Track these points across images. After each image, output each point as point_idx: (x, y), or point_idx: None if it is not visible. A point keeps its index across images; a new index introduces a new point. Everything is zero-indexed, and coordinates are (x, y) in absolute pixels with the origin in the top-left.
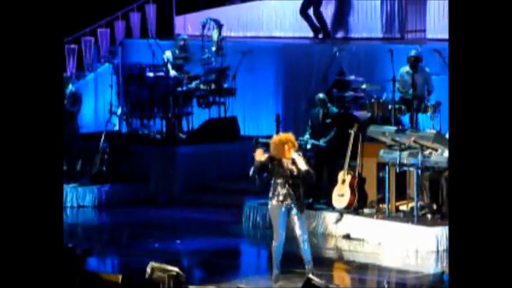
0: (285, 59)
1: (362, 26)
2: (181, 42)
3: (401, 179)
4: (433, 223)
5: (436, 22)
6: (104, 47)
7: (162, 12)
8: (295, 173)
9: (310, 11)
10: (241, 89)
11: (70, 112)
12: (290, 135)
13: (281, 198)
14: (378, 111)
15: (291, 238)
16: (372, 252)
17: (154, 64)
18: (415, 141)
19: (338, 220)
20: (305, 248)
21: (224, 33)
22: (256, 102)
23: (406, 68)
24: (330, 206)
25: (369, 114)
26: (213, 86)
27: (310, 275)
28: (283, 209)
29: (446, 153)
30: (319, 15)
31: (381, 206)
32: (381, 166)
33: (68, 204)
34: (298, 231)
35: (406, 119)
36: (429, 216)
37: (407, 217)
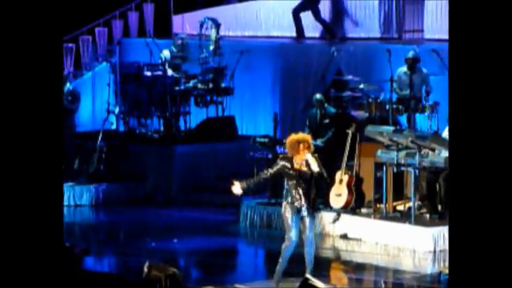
0: (282, 58)
1: (360, 25)
2: (179, 42)
3: (399, 179)
4: (430, 223)
5: (434, 22)
6: (101, 46)
7: (160, 11)
8: (308, 175)
9: (302, 14)
10: (239, 88)
11: (67, 110)
12: (307, 136)
13: (294, 200)
14: (375, 111)
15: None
16: (369, 252)
17: (152, 63)
18: (412, 142)
19: (335, 220)
20: (310, 251)
21: (222, 33)
22: (254, 102)
23: (404, 69)
24: (327, 206)
25: (367, 114)
26: (210, 85)
27: (307, 275)
28: (295, 211)
29: (443, 154)
30: (321, 20)
31: (378, 206)
32: (379, 166)
33: (65, 203)
34: (306, 233)
35: (403, 119)
36: (426, 216)
37: (405, 217)
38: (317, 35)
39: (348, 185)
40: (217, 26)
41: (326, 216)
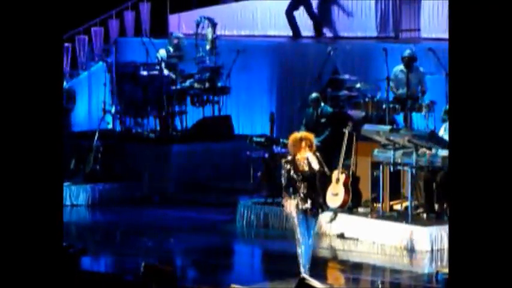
0: (279, 57)
1: (356, 25)
2: (175, 41)
3: (396, 178)
4: (427, 223)
5: (431, 21)
6: (97, 46)
7: (156, 10)
8: (311, 174)
9: (295, 13)
10: (235, 87)
11: (64, 109)
12: (309, 134)
13: (299, 201)
14: (372, 111)
15: (290, 237)
16: (366, 252)
17: (148, 63)
18: (409, 141)
19: (332, 219)
20: (308, 253)
21: (218, 32)
22: (251, 101)
23: (400, 67)
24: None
25: (363, 114)
26: (207, 85)
27: (304, 275)
28: (300, 211)
29: (440, 153)
30: (312, 15)
31: (375, 205)
32: (375, 165)
33: None
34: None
35: (400, 118)
36: (423, 215)
37: (402, 216)
38: (313, 34)
39: (345, 185)
40: (214, 25)
41: (323, 216)
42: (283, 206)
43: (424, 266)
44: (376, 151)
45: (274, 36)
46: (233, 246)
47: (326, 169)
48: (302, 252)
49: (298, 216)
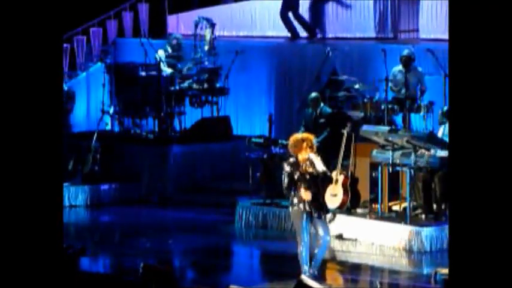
0: (277, 58)
1: (355, 25)
2: (174, 42)
3: (394, 179)
4: (425, 223)
5: (429, 22)
6: (96, 46)
7: (155, 11)
8: (314, 176)
9: (290, 14)
10: (234, 88)
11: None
12: (310, 135)
13: (301, 203)
14: (370, 111)
15: (289, 238)
16: (365, 253)
17: (146, 63)
18: (408, 141)
19: (331, 220)
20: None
21: (217, 33)
22: (249, 102)
23: (399, 68)
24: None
25: (362, 114)
26: (205, 86)
27: (302, 276)
28: (304, 213)
29: (439, 153)
30: (298, 17)
31: (373, 206)
32: (374, 166)
33: None
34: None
35: (399, 119)
36: (422, 216)
37: (400, 217)
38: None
39: (344, 185)
40: (212, 26)
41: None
42: (292, 203)
43: (422, 266)
44: (374, 152)
45: (273, 37)
46: (232, 246)
47: (328, 171)
48: (303, 253)
49: (302, 216)
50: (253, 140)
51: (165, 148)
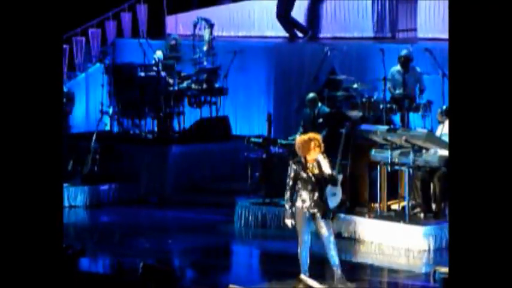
0: (276, 58)
1: (353, 25)
2: (173, 42)
3: (393, 178)
4: (424, 222)
5: (427, 21)
6: (95, 47)
7: (154, 11)
8: (320, 177)
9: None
10: (232, 88)
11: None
12: (317, 135)
13: (305, 203)
14: (369, 111)
15: (288, 237)
16: (364, 252)
17: (145, 64)
18: (406, 141)
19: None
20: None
21: (215, 33)
22: (248, 102)
23: (397, 68)
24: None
25: (361, 114)
26: (204, 86)
27: (302, 275)
28: (307, 214)
29: (438, 153)
30: (290, 20)
31: (372, 205)
32: (373, 165)
33: None
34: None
35: (397, 118)
36: (421, 215)
37: (399, 216)
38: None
39: (342, 185)
40: (211, 26)
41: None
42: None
43: (421, 265)
44: (373, 151)
45: (271, 37)
46: (231, 246)
47: (335, 173)
48: (302, 253)
49: (304, 217)
50: (252, 139)
51: (164, 148)
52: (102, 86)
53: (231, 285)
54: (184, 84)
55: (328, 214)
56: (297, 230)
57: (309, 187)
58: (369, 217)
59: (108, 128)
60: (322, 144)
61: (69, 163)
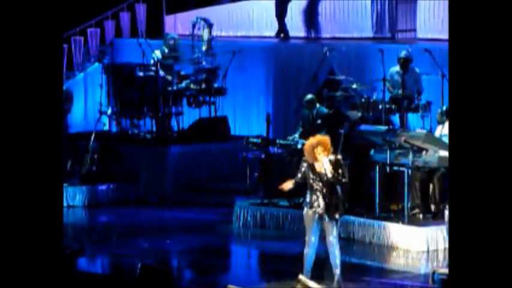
0: (275, 58)
1: (352, 25)
2: (171, 42)
3: (392, 178)
4: (423, 223)
5: (427, 22)
6: (93, 47)
7: (152, 11)
8: (327, 179)
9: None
10: (231, 88)
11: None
12: (322, 138)
13: (313, 204)
14: (368, 111)
15: (286, 238)
16: (362, 252)
17: (144, 64)
18: (405, 141)
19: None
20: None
21: (214, 33)
22: (247, 102)
23: (396, 68)
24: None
25: (359, 114)
26: (203, 86)
27: (300, 276)
28: (315, 215)
29: (437, 153)
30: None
31: (371, 205)
32: (371, 166)
33: None
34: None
35: (396, 118)
36: (419, 216)
37: (398, 217)
38: (312, 35)
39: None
40: (210, 26)
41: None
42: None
43: (420, 266)
44: (372, 152)
45: (270, 37)
46: (230, 246)
47: (343, 176)
48: (308, 254)
49: (313, 218)
50: (251, 140)
51: (163, 148)
52: (100, 86)
53: (229, 286)
54: (183, 84)
55: (334, 216)
56: (306, 230)
57: (316, 188)
58: (368, 218)
59: (106, 127)
60: (330, 147)
61: (68, 163)
